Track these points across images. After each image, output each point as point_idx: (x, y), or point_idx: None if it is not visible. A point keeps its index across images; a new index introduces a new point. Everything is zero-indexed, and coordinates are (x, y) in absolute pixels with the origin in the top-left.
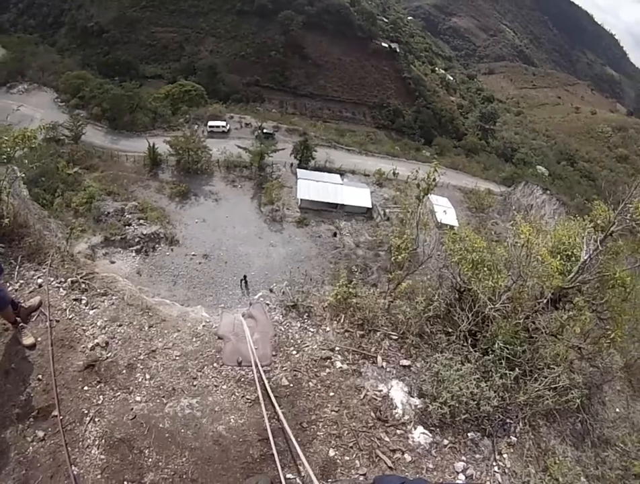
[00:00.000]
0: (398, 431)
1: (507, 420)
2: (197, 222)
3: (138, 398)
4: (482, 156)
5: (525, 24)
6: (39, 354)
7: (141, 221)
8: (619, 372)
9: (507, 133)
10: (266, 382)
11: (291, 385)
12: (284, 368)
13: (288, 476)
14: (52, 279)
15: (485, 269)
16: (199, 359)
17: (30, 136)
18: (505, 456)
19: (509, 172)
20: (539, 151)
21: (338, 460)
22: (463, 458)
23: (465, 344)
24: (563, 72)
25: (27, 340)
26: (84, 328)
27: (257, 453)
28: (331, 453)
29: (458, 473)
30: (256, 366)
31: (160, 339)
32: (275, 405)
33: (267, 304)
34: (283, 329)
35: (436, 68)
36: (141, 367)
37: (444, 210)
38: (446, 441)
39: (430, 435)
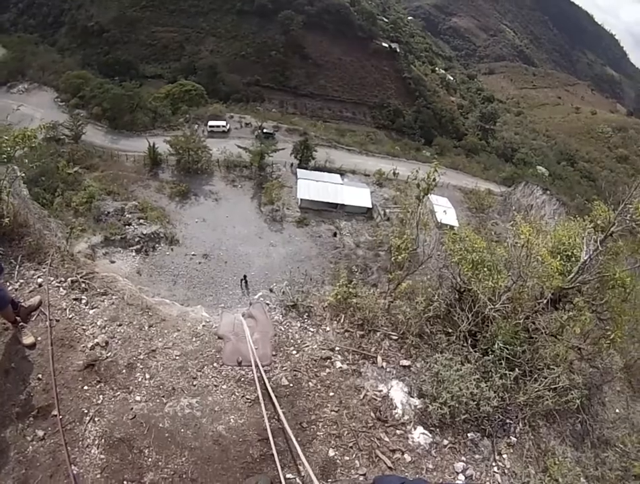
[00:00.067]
0: (398, 432)
1: (507, 420)
2: (197, 221)
3: (138, 398)
4: (482, 156)
5: (525, 24)
6: (39, 353)
7: (141, 221)
8: (619, 372)
9: (508, 133)
10: (266, 381)
11: (291, 385)
12: (284, 368)
13: (288, 476)
14: (52, 278)
15: (485, 269)
16: (199, 359)
17: (30, 135)
18: (504, 456)
19: (510, 172)
20: (539, 151)
21: (338, 460)
22: (463, 458)
23: (465, 344)
24: (563, 73)
25: (27, 339)
26: (84, 327)
27: (256, 453)
28: (331, 453)
29: (457, 473)
30: (256, 365)
31: (160, 339)
32: (276, 404)
33: (267, 304)
34: (283, 329)
35: (436, 68)
36: (141, 367)
37: (444, 210)
38: (445, 442)
39: (430, 435)
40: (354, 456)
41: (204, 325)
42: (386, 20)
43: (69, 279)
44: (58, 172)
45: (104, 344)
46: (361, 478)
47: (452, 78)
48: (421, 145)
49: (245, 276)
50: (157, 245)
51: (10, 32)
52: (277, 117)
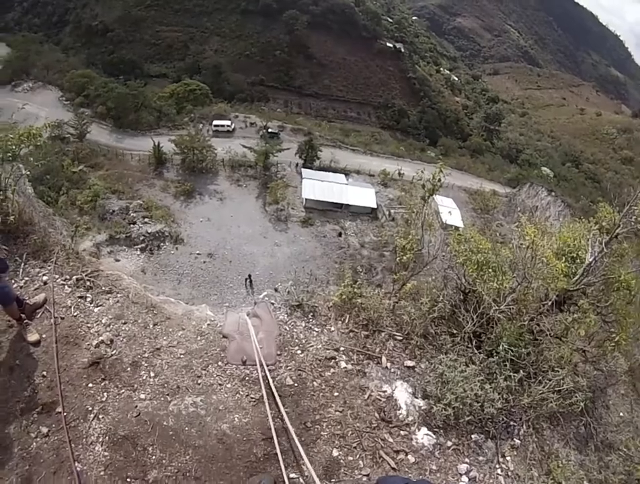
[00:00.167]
0: (402, 432)
1: (511, 422)
2: (202, 221)
3: (142, 396)
4: (487, 157)
5: (530, 25)
6: (43, 351)
7: (146, 219)
8: (623, 375)
9: (512, 134)
10: (271, 381)
11: (295, 385)
12: (289, 368)
13: (292, 475)
14: (57, 276)
15: (490, 270)
16: (203, 357)
17: (35, 134)
18: (508, 458)
19: (514, 173)
20: (544, 152)
21: (342, 460)
22: (466, 460)
23: (470, 346)
24: (567, 73)
25: (32, 337)
26: (89, 325)
27: (260, 452)
28: (335, 453)
29: (461, 475)
30: (261, 365)
31: (165, 337)
32: (280, 404)
33: (272, 304)
34: (288, 329)
35: (441, 69)
36: (146, 365)
37: (449, 211)
38: (449, 443)
39: (434, 436)
40: (358, 456)
41: (208, 324)
42: (390, 20)
43: (74, 277)
44: (63, 170)
45: (109, 342)
46: (364, 478)
47: (456, 79)
48: (425, 145)
49: (249, 275)
50: (162, 244)
51: (15, 31)
52: (282, 117)
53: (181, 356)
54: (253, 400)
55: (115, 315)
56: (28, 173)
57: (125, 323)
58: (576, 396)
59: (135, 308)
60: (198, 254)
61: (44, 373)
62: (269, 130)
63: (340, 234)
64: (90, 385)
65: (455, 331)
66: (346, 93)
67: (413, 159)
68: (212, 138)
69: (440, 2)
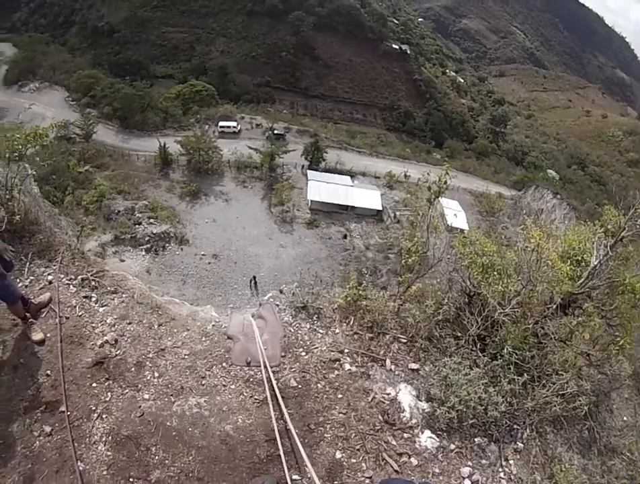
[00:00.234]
0: (405, 435)
1: (515, 426)
2: (207, 222)
3: (146, 396)
4: (492, 159)
5: (535, 26)
6: (48, 350)
7: (151, 220)
8: (627, 379)
9: (518, 136)
10: (273, 382)
11: (299, 386)
12: (293, 369)
13: (294, 477)
14: (62, 276)
15: (495, 273)
16: (208, 358)
17: (42, 134)
18: (511, 462)
19: (520, 176)
20: (550, 155)
21: (344, 463)
22: (469, 463)
23: (474, 348)
24: (573, 75)
25: (37, 336)
26: (93, 325)
27: (263, 453)
28: (338, 455)
29: (464, 478)
30: (265, 366)
31: (169, 338)
32: (282, 406)
33: (277, 305)
34: (292, 330)
35: (447, 71)
36: (150, 365)
37: (455, 214)
38: (452, 446)
39: (437, 439)
40: (361, 458)
41: (213, 325)
42: (396, 22)
43: (79, 277)
44: (69, 171)
45: (113, 342)
46: (367, 481)
47: (462, 81)
48: (431, 148)
49: (254, 277)
50: (167, 245)
51: (21, 32)
52: (288, 119)
53: (186, 357)
54: (257, 401)
55: (120, 315)
56: (34, 172)
57: (130, 323)
58: (580, 400)
59: (140, 308)
60: (203, 255)
61: (48, 372)
62: (275, 132)
63: (345, 236)
64: (94, 385)
65: (459, 334)
66: (352, 95)
67: (419, 161)
68: (217, 139)
69: (446, 3)
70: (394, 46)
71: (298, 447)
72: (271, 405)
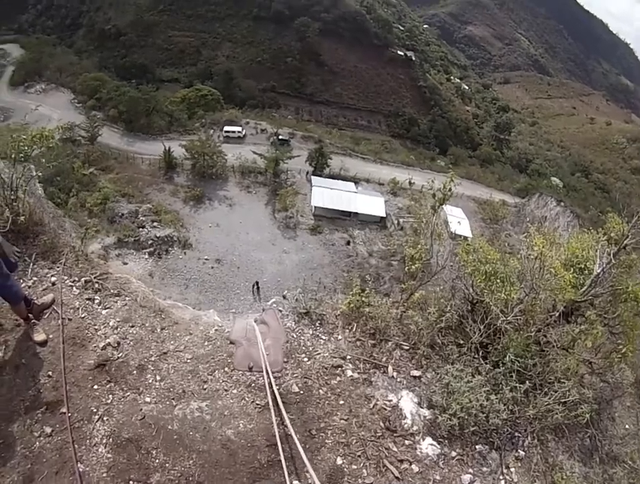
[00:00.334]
0: (406, 442)
1: (516, 434)
2: (210, 226)
3: (147, 399)
4: (497, 166)
5: (540, 33)
6: (50, 351)
7: (155, 224)
8: (630, 387)
9: (522, 143)
10: (275, 388)
11: (301, 392)
12: (295, 375)
13: (295, 483)
14: (65, 277)
15: (498, 281)
16: (210, 363)
17: (48, 135)
18: (512, 469)
19: (524, 183)
20: (553, 162)
21: (345, 469)
22: (470, 470)
23: (476, 356)
24: (578, 82)
25: (39, 336)
26: (96, 327)
27: (264, 458)
28: (339, 461)
29: None
30: (267, 371)
31: (172, 342)
32: (283, 411)
33: (280, 311)
34: (295, 336)
35: (451, 77)
36: (152, 368)
37: (458, 221)
38: (454, 453)
39: (438, 446)
40: (362, 464)
41: (216, 330)
42: (401, 28)
43: (83, 279)
44: (74, 173)
45: (116, 345)
46: None
47: (467, 88)
48: (435, 154)
49: (256, 282)
50: (170, 249)
51: (28, 33)
52: (293, 124)
53: (188, 361)
54: (259, 406)
55: (122, 318)
56: (39, 174)
57: (132, 326)
58: (582, 408)
59: (143, 311)
60: (206, 259)
61: (50, 373)
62: (280, 137)
63: (348, 243)
64: (95, 387)
65: (462, 342)
66: (357, 101)
67: (423, 168)
68: (222, 143)
69: (451, 10)
70: (399, 52)
71: (298, 452)
72: (272, 411)
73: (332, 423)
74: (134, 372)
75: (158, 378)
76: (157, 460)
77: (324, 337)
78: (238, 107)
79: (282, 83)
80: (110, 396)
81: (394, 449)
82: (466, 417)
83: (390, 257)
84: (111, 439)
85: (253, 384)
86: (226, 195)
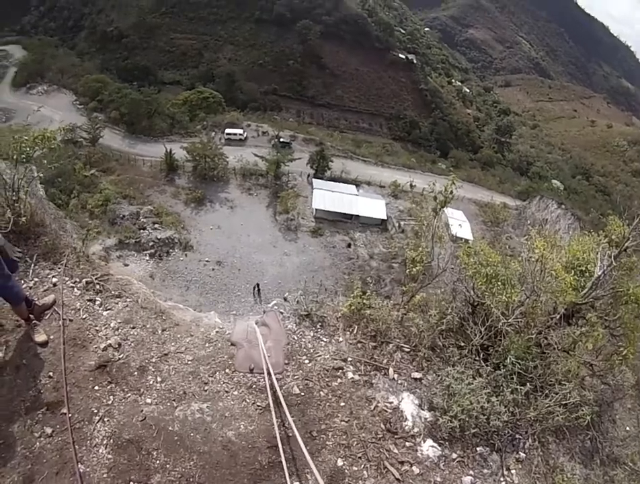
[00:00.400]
0: (407, 444)
1: (517, 435)
2: (211, 228)
3: (148, 401)
4: (498, 169)
5: (541, 36)
6: (51, 352)
7: (156, 225)
8: (630, 389)
9: (523, 146)
10: (277, 389)
11: (302, 394)
12: (296, 377)
13: None
14: (66, 278)
15: (499, 283)
16: (211, 364)
17: (50, 136)
18: (513, 471)
19: (525, 186)
20: (554, 165)
21: (346, 470)
22: (471, 472)
23: (477, 358)
24: (579, 85)
25: (40, 337)
26: (97, 328)
27: (265, 460)
28: (340, 463)
29: None
30: (268, 373)
31: (173, 343)
32: (287, 412)
33: (281, 313)
34: (296, 338)
35: (453, 80)
36: (153, 370)
37: (459, 224)
38: (454, 455)
39: (439, 448)
40: (362, 466)
41: (217, 331)
42: (403, 31)
43: (84, 280)
44: (75, 174)
45: (117, 346)
46: None
47: (468, 91)
48: (436, 157)
49: (257, 284)
50: (171, 250)
51: (31, 34)
52: (294, 127)
53: (189, 362)
54: (260, 408)
55: (123, 319)
56: (41, 175)
57: (133, 328)
58: (582, 410)
59: (144, 313)
60: (207, 261)
61: (51, 374)
62: (281, 140)
63: (349, 245)
64: (96, 388)
65: (463, 344)
66: (358, 104)
67: (424, 171)
68: (224, 146)
69: (452, 13)
70: (400, 55)
71: (299, 454)
72: (273, 412)
73: (333, 424)
74: (135, 373)
75: (159, 379)
76: (158, 461)
77: (325, 339)
78: (239, 109)
79: (284, 86)
80: (111, 397)
81: (395, 451)
82: (467, 419)
83: (391, 260)
84: (111, 440)
85: (254, 386)
86: (227, 198)
